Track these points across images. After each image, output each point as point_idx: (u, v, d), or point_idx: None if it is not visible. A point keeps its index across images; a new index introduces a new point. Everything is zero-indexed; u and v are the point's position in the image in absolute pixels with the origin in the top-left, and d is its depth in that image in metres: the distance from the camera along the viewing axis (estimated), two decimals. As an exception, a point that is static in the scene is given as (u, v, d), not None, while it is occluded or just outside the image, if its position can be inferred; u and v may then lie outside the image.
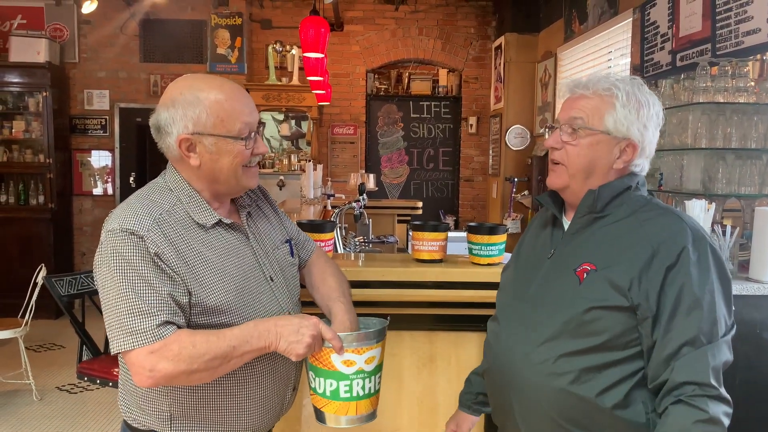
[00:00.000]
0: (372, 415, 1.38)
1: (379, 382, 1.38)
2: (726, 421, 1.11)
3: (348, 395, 1.32)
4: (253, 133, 1.30)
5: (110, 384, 2.94)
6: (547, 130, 1.35)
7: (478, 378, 1.52)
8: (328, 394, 1.32)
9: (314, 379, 1.34)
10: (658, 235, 1.18)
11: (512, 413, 1.30)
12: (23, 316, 3.91)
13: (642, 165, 1.29)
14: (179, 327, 1.21)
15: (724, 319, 1.16)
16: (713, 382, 1.11)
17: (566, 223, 1.33)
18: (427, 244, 2.06)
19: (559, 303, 1.23)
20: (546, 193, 1.38)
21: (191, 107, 1.25)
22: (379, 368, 1.37)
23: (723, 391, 1.12)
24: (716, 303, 1.15)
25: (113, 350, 1.20)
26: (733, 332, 1.18)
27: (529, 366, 1.24)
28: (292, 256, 1.50)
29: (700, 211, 2.36)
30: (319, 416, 1.36)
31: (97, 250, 1.23)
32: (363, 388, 1.33)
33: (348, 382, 1.31)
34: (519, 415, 1.28)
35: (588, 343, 1.18)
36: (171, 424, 1.30)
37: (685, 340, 1.12)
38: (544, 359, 1.22)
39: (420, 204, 5.59)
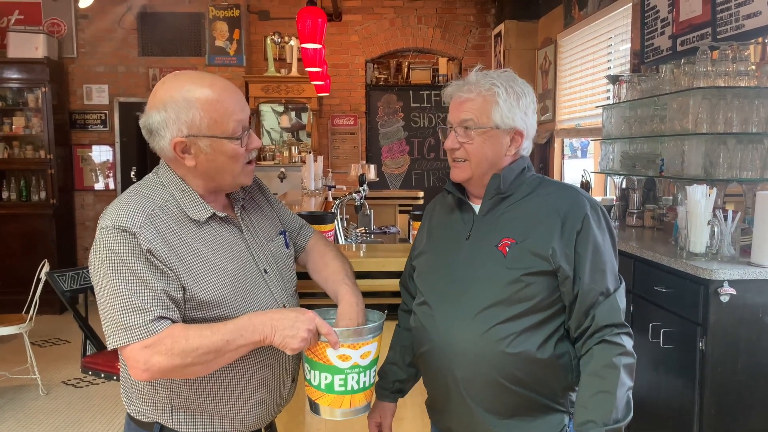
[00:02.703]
0: (366, 407, 1.39)
1: (374, 376, 1.39)
2: (634, 351, 1.32)
3: (342, 389, 1.32)
4: (247, 129, 1.30)
5: (115, 378, 2.96)
6: (440, 131, 1.49)
7: (393, 367, 1.61)
8: (322, 387, 1.33)
9: (309, 372, 1.35)
10: (563, 206, 1.35)
11: (456, 388, 1.37)
12: (28, 312, 3.93)
13: (528, 147, 1.45)
14: (174, 322, 1.21)
15: (617, 270, 1.37)
16: (624, 321, 1.32)
17: (475, 206, 1.45)
18: (427, 233, 2.06)
19: (489, 277, 1.35)
20: (450, 181, 1.49)
21: (184, 110, 1.23)
22: (374, 362, 1.37)
23: (629, 328, 1.33)
24: (613, 258, 1.36)
25: (109, 345, 1.21)
26: (623, 281, 1.37)
27: (470, 339, 1.34)
28: (287, 248, 1.50)
29: (701, 197, 2.36)
30: (314, 408, 1.37)
31: (92, 247, 1.24)
32: (358, 382, 1.33)
33: (343, 376, 1.32)
34: (464, 387, 1.36)
35: (521, 308, 1.31)
36: (172, 415, 1.31)
37: (599, 291, 1.31)
38: (483, 330, 1.32)
39: (421, 194, 5.58)
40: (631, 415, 1.29)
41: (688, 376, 2.26)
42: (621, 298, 1.34)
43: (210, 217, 1.31)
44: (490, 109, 1.37)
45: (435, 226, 1.54)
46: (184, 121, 1.24)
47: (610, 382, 1.27)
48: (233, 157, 1.28)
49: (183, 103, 1.23)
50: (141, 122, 1.28)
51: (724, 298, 2.17)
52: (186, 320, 1.24)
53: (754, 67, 2.60)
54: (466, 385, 1.36)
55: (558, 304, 1.34)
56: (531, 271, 1.31)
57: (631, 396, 1.30)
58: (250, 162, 1.34)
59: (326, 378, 1.32)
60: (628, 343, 1.31)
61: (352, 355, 1.31)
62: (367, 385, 1.36)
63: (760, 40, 2.68)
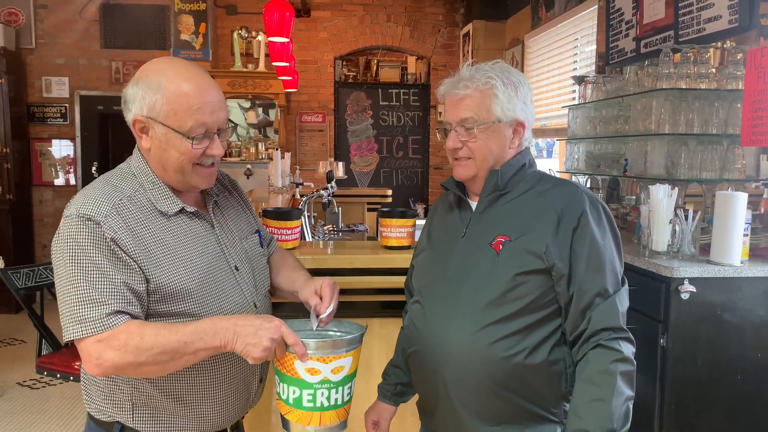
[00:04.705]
0: (341, 426, 1.31)
1: (349, 394, 1.30)
2: (633, 359, 1.27)
3: (311, 405, 1.25)
4: (211, 134, 1.26)
5: (71, 378, 2.86)
6: (438, 132, 1.44)
7: (396, 369, 1.57)
8: (291, 401, 1.26)
9: (279, 384, 1.29)
10: (560, 203, 1.30)
11: (445, 391, 1.32)
12: (-19, 311, 3.79)
13: (529, 137, 1.41)
14: (134, 317, 1.18)
15: (620, 271, 1.31)
16: (623, 326, 1.26)
17: (472, 203, 1.41)
18: (395, 230, 2.05)
19: (481, 276, 1.30)
20: (450, 178, 1.46)
21: (150, 92, 1.23)
22: (348, 379, 1.28)
23: (629, 333, 1.28)
24: (614, 257, 1.29)
25: (64, 338, 1.18)
26: (626, 283, 1.31)
27: (460, 340, 1.29)
28: (262, 247, 1.48)
29: (663, 196, 2.40)
30: (284, 424, 1.30)
31: (55, 235, 1.21)
32: (328, 398, 1.25)
33: (311, 391, 1.24)
34: (453, 390, 1.31)
35: (513, 308, 1.26)
36: (133, 413, 1.28)
37: (596, 292, 1.25)
38: (473, 331, 1.28)
39: (390, 192, 5.59)
40: (629, 425, 1.23)
41: (650, 372, 2.30)
42: (622, 301, 1.27)
43: (179, 211, 1.29)
44: (490, 103, 1.32)
45: (435, 224, 1.51)
46: (147, 102, 1.23)
47: (605, 390, 1.21)
48: (184, 154, 1.25)
49: (154, 84, 1.23)
50: (123, 91, 1.29)
51: (685, 296, 2.21)
52: (150, 314, 1.22)
53: (714, 69, 2.66)
54: (456, 387, 1.31)
55: (553, 306, 1.28)
56: (524, 269, 1.26)
57: (630, 407, 1.24)
58: (210, 165, 1.30)
59: (294, 392, 1.25)
60: (626, 349, 1.25)
61: (321, 369, 1.23)
62: (339, 402, 1.27)
63: (720, 43, 2.75)
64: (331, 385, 1.25)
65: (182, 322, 1.20)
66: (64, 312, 1.17)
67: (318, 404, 1.24)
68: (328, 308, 1.33)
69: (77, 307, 1.15)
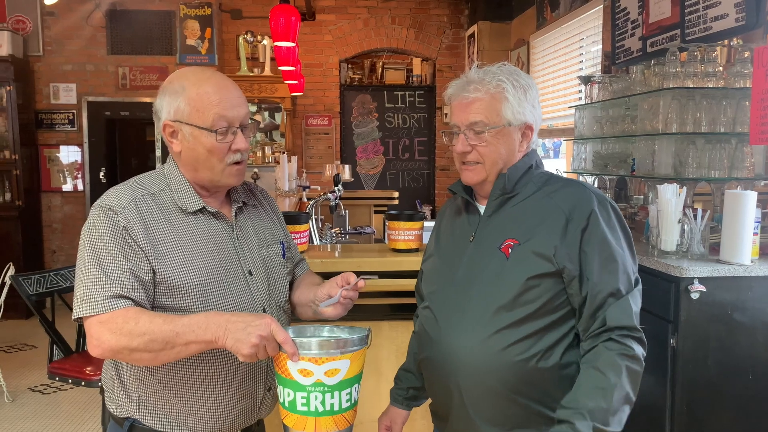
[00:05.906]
0: None
1: (349, 401, 1.24)
2: (642, 361, 1.26)
3: (305, 409, 1.20)
4: (234, 129, 1.32)
5: (83, 383, 2.88)
6: (445, 135, 1.43)
7: (407, 374, 1.57)
8: (286, 404, 1.22)
9: (277, 387, 1.26)
10: (568, 203, 1.28)
11: (459, 396, 1.32)
12: (-8, 317, 3.81)
13: (536, 140, 1.41)
14: (137, 303, 1.23)
15: (633, 271, 1.29)
16: (637, 326, 1.25)
17: (480, 207, 1.40)
18: (402, 233, 2.06)
19: (491, 280, 1.29)
20: (457, 182, 1.45)
21: (175, 97, 1.31)
22: (345, 384, 1.22)
23: (642, 334, 1.26)
24: (626, 256, 1.28)
25: (73, 316, 1.25)
26: (640, 283, 1.30)
27: (471, 345, 1.28)
28: (284, 258, 1.50)
29: (672, 195, 2.39)
30: (285, 429, 1.27)
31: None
32: (323, 403, 1.19)
33: (305, 394, 1.19)
34: (466, 396, 1.30)
35: (524, 312, 1.25)
36: (139, 407, 1.32)
37: (609, 293, 1.24)
38: (484, 336, 1.27)
39: (396, 194, 5.59)
40: (620, 429, 1.21)
41: (660, 372, 2.29)
42: (635, 301, 1.26)
43: (200, 210, 1.34)
44: (500, 107, 1.32)
45: (443, 228, 1.50)
46: (173, 106, 1.31)
47: (609, 381, 1.19)
48: (211, 151, 1.31)
49: (177, 89, 1.31)
50: (153, 105, 1.38)
51: (695, 296, 2.20)
52: (156, 306, 1.27)
53: (721, 68, 2.64)
54: (468, 393, 1.30)
55: (564, 309, 1.27)
56: (535, 273, 1.24)
57: (627, 411, 1.22)
58: (238, 163, 1.35)
59: (289, 394, 1.21)
60: (637, 349, 1.23)
61: (314, 371, 1.18)
62: (336, 408, 1.21)
63: (726, 42, 2.73)
64: (326, 388, 1.20)
65: (180, 315, 1.22)
66: (77, 291, 1.25)
67: (312, 408, 1.20)
68: (355, 280, 1.35)
69: (86, 287, 1.22)
